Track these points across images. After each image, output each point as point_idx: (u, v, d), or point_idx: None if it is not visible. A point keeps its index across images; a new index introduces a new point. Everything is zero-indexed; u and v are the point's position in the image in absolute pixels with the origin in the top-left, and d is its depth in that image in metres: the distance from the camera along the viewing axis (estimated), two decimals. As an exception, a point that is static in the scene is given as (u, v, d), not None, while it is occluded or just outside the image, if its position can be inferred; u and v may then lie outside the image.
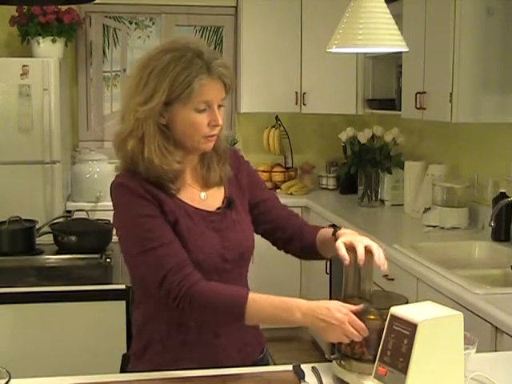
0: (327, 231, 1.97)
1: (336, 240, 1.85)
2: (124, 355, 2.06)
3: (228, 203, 1.93)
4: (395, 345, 1.59)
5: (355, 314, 1.67)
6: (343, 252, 1.78)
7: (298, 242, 2.04)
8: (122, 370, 2.01)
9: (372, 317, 1.69)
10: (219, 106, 1.83)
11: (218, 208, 1.92)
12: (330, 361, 1.79)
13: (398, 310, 1.62)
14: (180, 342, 1.86)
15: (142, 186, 1.79)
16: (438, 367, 1.59)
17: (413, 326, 1.56)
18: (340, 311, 1.66)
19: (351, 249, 1.80)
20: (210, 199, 1.92)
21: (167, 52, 1.78)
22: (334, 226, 1.96)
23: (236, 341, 1.90)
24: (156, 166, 1.79)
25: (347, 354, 1.72)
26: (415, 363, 1.54)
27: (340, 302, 1.70)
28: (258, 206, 2.04)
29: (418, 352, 1.54)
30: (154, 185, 1.81)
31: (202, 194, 1.91)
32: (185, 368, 1.81)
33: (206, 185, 1.93)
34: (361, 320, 1.68)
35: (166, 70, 1.76)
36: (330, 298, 4.67)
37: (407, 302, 1.73)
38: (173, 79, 1.75)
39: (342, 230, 1.90)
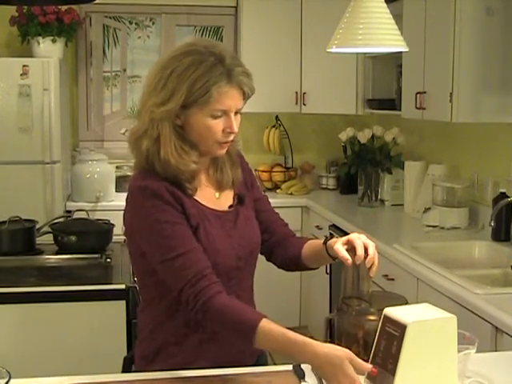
0: (317, 241, 1.96)
1: (327, 248, 1.86)
2: (125, 358, 2.05)
3: (239, 199, 1.95)
4: (386, 346, 1.57)
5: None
6: (343, 253, 1.76)
7: (281, 250, 2.03)
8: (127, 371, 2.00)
9: (371, 317, 1.68)
10: (236, 113, 1.83)
11: (230, 206, 1.93)
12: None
13: (390, 311, 1.60)
14: (197, 342, 1.85)
15: (166, 188, 1.79)
16: (428, 370, 1.57)
17: (402, 328, 1.53)
18: (350, 369, 1.55)
19: (350, 249, 1.78)
20: (223, 198, 1.94)
21: (189, 54, 1.77)
22: (326, 237, 1.94)
23: None
24: (172, 166, 1.79)
25: None
26: (403, 365, 1.52)
27: (350, 355, 1.56)
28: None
29: (406, 354, 1.52)
30: (174, 185, 1.81)
31: (216, 194, 1.93)
32: (196, 368, 1.81)
33: (220, 187, 1.94)
34: (359, 320, 1.68)
35: (185, 74, 1.75)
36: (330, 299, 4.64)
37: (407, 303, 1.72)
38: (192, 83, 1.74)
39: (334, 239, 1.86)
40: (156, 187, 1.78)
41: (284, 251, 2.03)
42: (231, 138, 1.84)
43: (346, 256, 1.76)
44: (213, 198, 1.92)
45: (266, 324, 1.65)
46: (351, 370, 1.54)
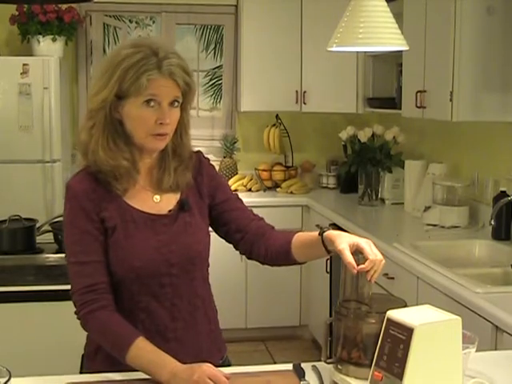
0: (310, 233, 1.89)
1: (323, 241, 1.80)
2: (83, 356, 2.02)
3: (181, 205, 1.90)
4: (391, 349, 1.56)
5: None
6: (350, 259, 1.68)
7: (262, 245, 1.95)
8: (81, 371, 1.99)
9: (371, 321, 1.67)
10: (171, 105, 1.81)
11: (170, 210, 1.90)
12: (329, 363, 1.77)
13: (394, 314, 1.59)
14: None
15: (89, 192, 1.81)
16: (435, 372, 1.56)
17: (409, 331, 1.53)
18: (198, 374, 1.64)
19: (354, 252, 1.71)
20: (164, 202, 1.90)
21: (127, 47, 1.81)
22: (321, 228, 1.86)
23: (189, 347, 1.89)
24: (101, 159, 1.80)
25: (344, 358, 1.70)
26: (411, 368, 1.52)
27: (208, 365, 1.67)
28: (217, 206, 1.98)
29: (414, 357, 1.52)
30: (104, 185, 1.82)
31: (156, 197, 1.90)
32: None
33: (160, 188, 1.90)
34: (359, 323, 1.67)
35: (120, 64, 1.77)
36: (330, 297, 4.64)
37: (405, 306, 1.69)
38: (124, 72, 1.76)
39: (331, 232, 1.80)
40: (78, 190, 1.82)
41: (266, 245, 1.95)
42: (164, 130, 1.81)
43: (353, 263, 1.67)
44: (149, 200, 1.88)
45: (139, 344, 1.73)
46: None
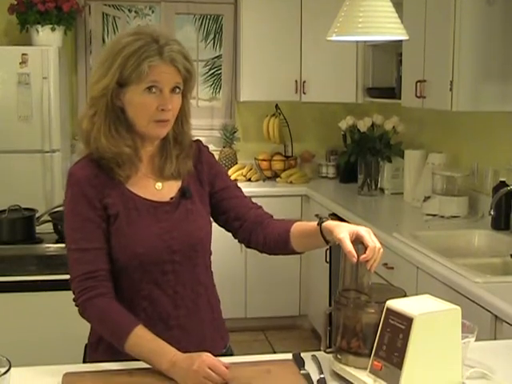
0: (308, 223, 1.89)
1: (321, 231, 1.80)
2: (86, 345, 2.03)
3: (183, 193, 1.91)
4: (391, 339, 1.56)
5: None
6: (350, 248, 1.67)
7: (261, 233, 1.96)
8: (84, 361, 1.99)
9: (370, 310, 1.67)
10: (173, 91, 1.81)
11: (172, 198, 1.90)
12: (328, 353, 1.78)
13: (394, 304, 1.59)
14: None
15: (91, 179, 1.81)
16: (434, 362, 1.56)
17: (408, 320, 1.53)
18: (197, 363, 1.64)
19: (354, 241, 1.70)
20: (166, 189, 1.91)
21: (128, 36, 1.81)
22: (320, 218, 1.86)
23: (192, 334, 1.89)
24: (104, 146, 1.81)
25: (343, 348, 1.70)
26: (410, 358, 1.52)
27: (208, 354, 1.67)
28: (216, 194, 1.99)
29: (413, 347, 1.52)
30: (106, 171, 1.83)
31: (158, 184, 1.91)
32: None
33: (162, 175, 1.91)
34: (358, 313, 1.67)
35: (121, 51, 1.78)
36: (330, 287, 4.64)
37: (405, 295, 1.69)
38: (125, 59, 1.77)
39: (330, 222, 1.80)
40: (80, 176, 1.82)
41: (264, 234, 1.96)
42: (166, 116, 1.82)
43: (353, 252, 1.67)
44: (152, 189, 1.89)
45: (138, 332, 1.73)
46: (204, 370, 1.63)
